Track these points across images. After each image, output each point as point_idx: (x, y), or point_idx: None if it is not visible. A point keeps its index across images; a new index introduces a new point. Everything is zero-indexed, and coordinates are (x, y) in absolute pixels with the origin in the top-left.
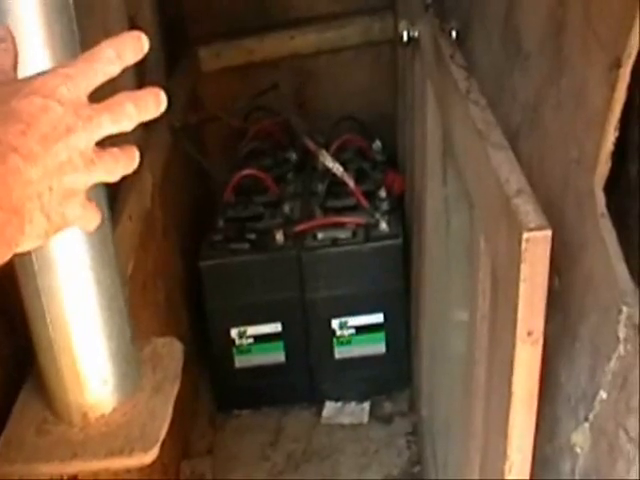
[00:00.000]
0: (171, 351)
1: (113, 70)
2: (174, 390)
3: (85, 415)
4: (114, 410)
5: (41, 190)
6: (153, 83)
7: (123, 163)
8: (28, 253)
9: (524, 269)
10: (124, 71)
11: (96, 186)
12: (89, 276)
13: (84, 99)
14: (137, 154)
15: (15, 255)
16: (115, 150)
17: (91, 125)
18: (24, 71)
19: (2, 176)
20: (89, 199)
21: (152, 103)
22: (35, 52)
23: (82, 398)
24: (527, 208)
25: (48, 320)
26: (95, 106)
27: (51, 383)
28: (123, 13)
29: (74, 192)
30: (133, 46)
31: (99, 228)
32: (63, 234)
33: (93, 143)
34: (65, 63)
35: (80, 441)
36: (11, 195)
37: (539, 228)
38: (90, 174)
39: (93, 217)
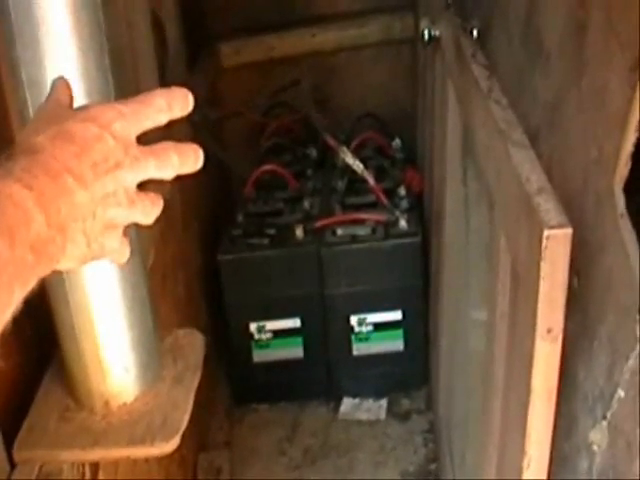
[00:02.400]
0: (192, 342)
1: (161, 119)
2: (195, 381)
3: (107, 403)
4: (136, 399)
5: (86, 215)
6: (174, 78)
7: (157, 208)
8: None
9: (544, 266)
10: (146, 67)
11: None
12: (112, 266)
13: (133, 139)
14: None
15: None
16: (152, 195)
17: (138, 166)
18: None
19: (55, 194)
20: (125, 234)
21: (193, 159)
22: (62, 43)
23: (104, 386)
24: (548, 206)
25: (71, 307)
26: (143, 148)
27: (73, 370)
28: (146, 8)
29: (114, 225)
30: (182, 101)
31: None
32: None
33: (136, 183)
34: (120, 101)
35: (102, 429)
36: (59, 213)
37: (560, 226)
38: (130, 211)
39: (125, 252)
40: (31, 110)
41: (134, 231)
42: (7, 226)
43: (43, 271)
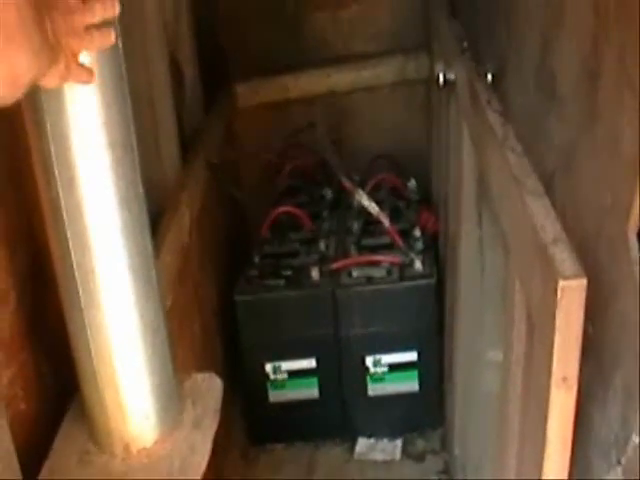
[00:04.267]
0: (211, 387)
1: None
2: (214, 425)
3: (127, 447)
4: (155, 443)
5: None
6: (191, 119)
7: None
8: (75, 289)
9: (559, 317)
10: (164, 108)
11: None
12: (134, 311)
13: None
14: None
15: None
16: None
17: None
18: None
19: None
20: None
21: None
22: (85, 89)
23: (124, 430)
24: (563, 256)
25: (93, 353)
26: None
27: (94, 414)
28: (163, 49)
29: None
30: None
31: (143, 264)
32: (109, 271)
33: None
34: None
35: (122, 472)
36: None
37: (575, 277)
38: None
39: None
40: (55, 158)
41: (154, 277)
42: None
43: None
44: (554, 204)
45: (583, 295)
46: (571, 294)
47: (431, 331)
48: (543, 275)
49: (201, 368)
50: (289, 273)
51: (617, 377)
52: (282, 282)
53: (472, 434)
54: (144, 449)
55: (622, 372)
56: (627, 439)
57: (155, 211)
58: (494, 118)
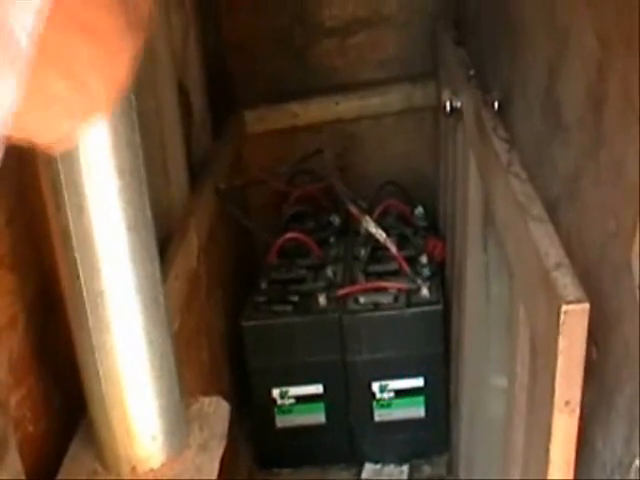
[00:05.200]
0: (218, 410)
1: None
2: (220, 449)
3: (134, 469)
4: (162, 465)
5: None
6: (200, 145)
7: None
8: (84, 313)
9: (562, 341)
10: (172, 135)
11: (149, 248)
12: (142, 335)
13: None
14: None
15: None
16: None
17: None
18: (85, 136)
19: None
20: None
21: None
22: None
23: (132, 452)
24: (565, 281)
25: (101, 376)
26: None
27: (102, 436)
28: (172, 76)
29: None
30: None
31: (151, 288)
32: (118, 294)
33: None
34: None
35: None
36: None
37: (577, 301)
38: None
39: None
40: (64, 185)
41: (162, 301)
42: None
43: None
44: (558, 230)
45: (586, 319)
46: (574, 318)
47: (437, 357)
48: (546, 300)
49: (208, 393)
50: (296, 299)
51: (620, 401)
52: (289, 308)
53: (477, 459)
54: (151, 471)
55: (625, 396)
56: (630, 462)
57: (163, 237)
58: (499, 145)
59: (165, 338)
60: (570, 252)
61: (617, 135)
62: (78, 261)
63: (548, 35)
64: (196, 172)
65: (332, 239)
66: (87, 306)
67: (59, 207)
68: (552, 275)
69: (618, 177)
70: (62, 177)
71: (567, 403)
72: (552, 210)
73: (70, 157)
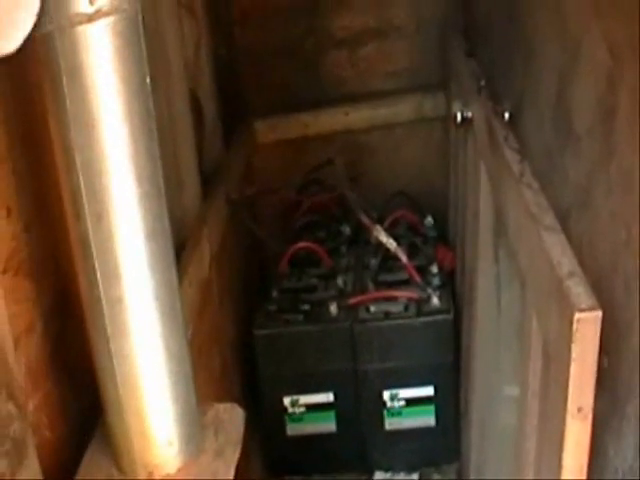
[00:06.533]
0: (232, 417)
1: None
2: (236, 454)
3: (151, 474)
4: (178, 470)
5: None
6: (211, 155)
7: None
8: (102, 319)
9: (575, 348)
10: (185, 144)
11: (167, 256)
12: (159, 341)
13: None
14: None
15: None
16: None
17: None
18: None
19: None
20: None
21: None
22: (115, 125)
23: (148, 457)
24: (578, 290)
25: (119, 382)
26: None
27: (118, 442)
28: (184, 85)
29: None
30: None
31: (169, 295)
32: (136, 301)
33: None
34: None
35: None
36: None
37: (590, 309)
38: None
39: None
40: (84, 193)
41: (179, 308)
42: None
43: None
44: (570, 240)
45: (598, 327)
46: (586, 326)
47: (448, 366)
48: (559, 308)
49: (220, 400)
50: (307, 308)
51: (631, 409)
52: (300, 317)
53: (488, 468)
54: (167, 476)
55: (636, 404)
56: None
57: (176, 245)
58: (511, 155)
59: (182, 344)
60: (582, 261)
61: (628, 145)
62: (97, 268)
63: (559, 46)
64: (208, 181)
65: (343, 248)
66: (105, 313)
67: (78, 215)
68: (565, 284)
69: (629, 187)
70: (82, 185)
71: (580, 409)
72: (564, 220)
73: (90, 165)
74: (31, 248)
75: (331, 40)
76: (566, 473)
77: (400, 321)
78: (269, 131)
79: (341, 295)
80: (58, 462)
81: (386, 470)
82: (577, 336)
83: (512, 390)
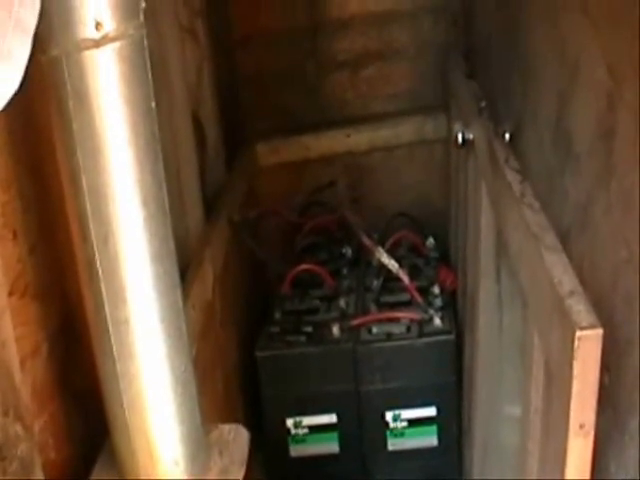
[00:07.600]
0: (237, 437)
1: None
2: (240, 475)
3: None
4: None
5: None
6: (214, 177)
7: None
8: (109, 341)
9: (576, 366)
10: (187, 167)
11: (172, 278)
12: (165, 363)
13: None
14: None
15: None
16: None
17: None
18: (112, 167)
19: None
20: None
21: None
22: (121, 149)
23: (154, 477)
24: (579, 308)
25: (125, 403)
26: None
27: (124, 461)
28: (187, 109)
29: None
30: None
31: (174, 316)
32: (142, 323)
33: None
34: None
35: None
36: None
37: (591, 327)
38: None
39: None
40: (91, 216)
41: (184, 329)
42: None
43: None
44: (571, 259)
45: (599, 344)
46: (588, 344)
47: (450, 386)
48: (560, 327)
49: (223, 421)
50: (310, 329)
51: (632, 425)
52: (303, 338)
53: None
54: None
55: (638, 420)
56: None
57: (179, 267)
58: (512, 176)
59: (187, 365)
60: (583, 280)
61: (627, 164)
62: (103, 290)
63: (558, 66)
64: (210, 203)
65: (345, 270)
66: (112, 334)
67: (85, 238)
68: (566, 302)
69: (629, 206)
70: (88, 208)
71: (582, 426)
72: (564, 239)
73: (96, 188)
74: (37, 271)
75: (332, 63)
76: None
77: (402, 342)
78: (271, 153)
79: (343, 316)
80: None
81: None
82: (578, 354)
83: (514, 409)
